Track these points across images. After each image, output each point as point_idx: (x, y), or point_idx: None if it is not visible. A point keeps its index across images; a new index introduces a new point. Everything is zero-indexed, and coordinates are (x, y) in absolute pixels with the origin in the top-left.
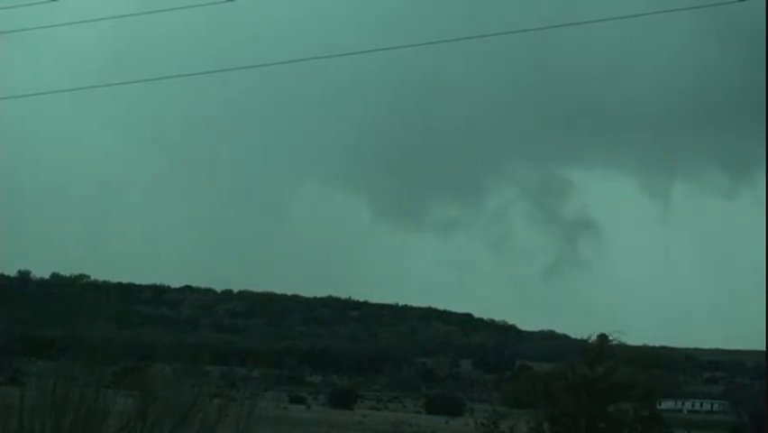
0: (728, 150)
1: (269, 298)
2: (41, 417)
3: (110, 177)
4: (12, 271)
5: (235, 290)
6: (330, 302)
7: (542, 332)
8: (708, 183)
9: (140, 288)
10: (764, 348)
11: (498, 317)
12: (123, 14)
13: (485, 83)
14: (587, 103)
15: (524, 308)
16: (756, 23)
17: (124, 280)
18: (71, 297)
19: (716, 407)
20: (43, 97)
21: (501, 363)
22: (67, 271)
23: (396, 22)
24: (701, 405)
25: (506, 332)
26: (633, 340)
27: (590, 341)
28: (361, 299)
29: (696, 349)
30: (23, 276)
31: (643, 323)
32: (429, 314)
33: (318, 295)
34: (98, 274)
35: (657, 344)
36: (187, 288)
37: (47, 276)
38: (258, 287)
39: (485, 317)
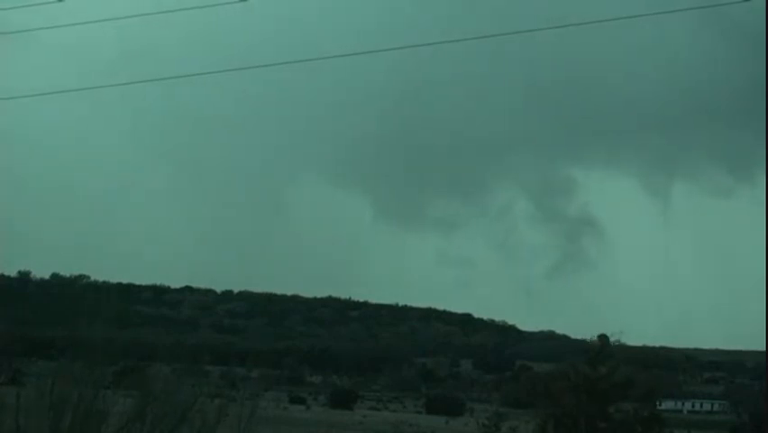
0: (730, 149)
1: (269, 298)
2: (38, 417)
3: (110, 177)
4: (12, 272)
5: (235, 290)
6: (330, 302)
7: (542, 332)
8: (708, 183)
9: (140, 288)
10: (764, 348)
11: (498, 318)
12: (125, 15)
13: (487, 83)
14: (588, 103)
15: (524, 308)
16: (757, 23)
17: (124, 281)
18: (71, 297)
19: (716, 407)
20: (44, 98)
21: (501, 363)
22: (67, 271)
23: (397, 22)
24: (701, 405)
25: (506, 332)
26: (633, 340)
27: (591, 341)
28: (361, 299)
29: (696, 349)
30: (23, 276)
31: (643, 323)
32: (429, 314)
33: (318, 295)
34: (98, 274)
35: (657, 344)
36: (187, 288)
37: (47, 276)
38: (258, 287)
39: (485, 318)
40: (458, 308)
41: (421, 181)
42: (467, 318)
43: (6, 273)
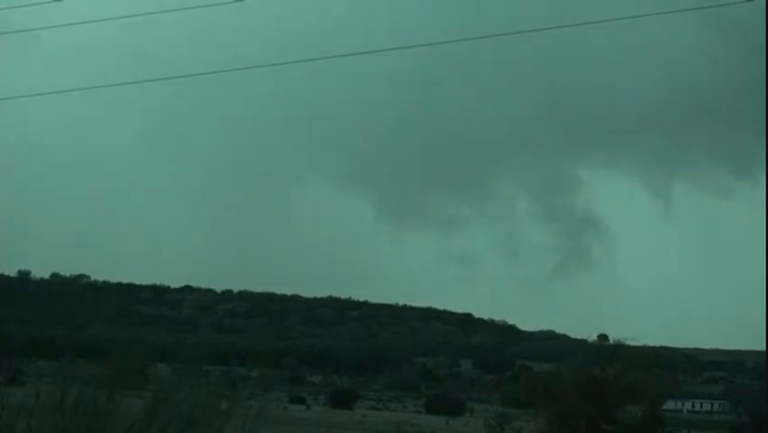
0: (731, 149)
1: (269, 298)
2: (49, 418)
3: (110, 177)
4: (12, 271)
5: (235, 290)
6: (330, 302)
7: (542, 332)
8: (709, 183)
9: (140, 288)
10: (764, 348)
11: (497, 317)
12: (126, 15)
13: (489, 83)
14: (589, 102)
15: (524, 307)
16: (758, 23)
17: (124, 281)
18: (71, 297)
19: (716, 407)
20: (44, 98)
21: (501, 363)
22: (67, 271)
23: (399, 22)
24: (701, 405)
25: (506, 332)
26: (633, 341)
27: (591, 342)
28: (361, 299)
29: (696, 349)
30: (23, 276)
31: (643, 323)
32: (429, 314)
33: (318, 295)
34: (98, 274)
35: (657, 344)
36: (187, 288)
37: (47, 276)
38: (258, 287)
39: (485, 317)
40: (458, 307)
41: (422, 181)
42: (467, 318)
43: (6, 273)
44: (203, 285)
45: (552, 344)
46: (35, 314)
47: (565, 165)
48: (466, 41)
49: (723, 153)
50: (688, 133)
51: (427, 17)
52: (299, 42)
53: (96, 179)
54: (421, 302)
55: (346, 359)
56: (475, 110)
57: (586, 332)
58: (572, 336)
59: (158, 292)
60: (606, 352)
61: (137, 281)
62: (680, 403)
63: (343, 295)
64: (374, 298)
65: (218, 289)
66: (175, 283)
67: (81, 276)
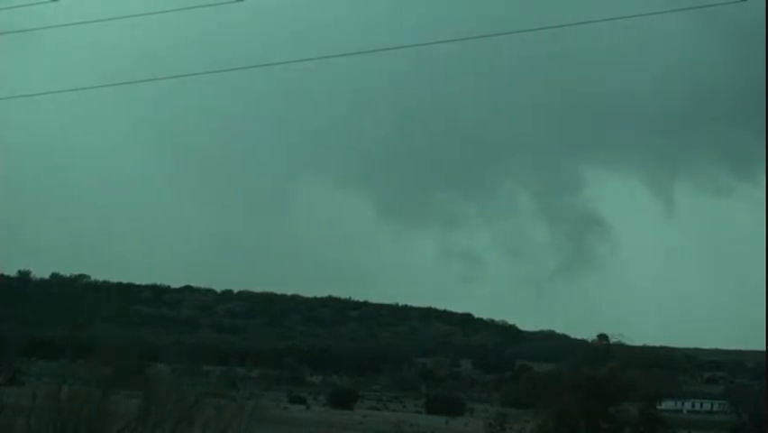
0: (732, 149)
1: (269, 298)
2: (47, 417)
3: (110, 177)
4: (12, 271)
5: (235, 290)
6: (330, 302)
7: (542, 332)
8: (710, 182)
9: (140, 288)
10: (764, 348)
11: (498, 317)
12: (125, 15)
13: (490, 82)
14: (591, 102)
15: (524, 307)
16: (759, 23)
17: (124, 281)
18: (71, 297)
19: (716, 407)
20: (44, 98)
21: (501, 363)
22: (67, 271)
23: (399, 21)
24: (701, 405)
25: (506, 332)
26: (633, 340)
27: (591, 342)
28: (361, 299)
29: (696, 349)
30: (23, 276)
31: (643, 323)
32: (429, 314)
33: (318, 295)
34: (98, 274)
35: (657, 344)
36: (187, 288)
37: (47, 276)
38: (258, 287)
39: (485, 317)
40: (458, 308)
41: (422, 180)
42: (467, 318)
43: (6, 273)
44: (203, 285)
45: (552, 344)
46: (35, 314)
47: (566, 164)
48: (467, 40)
49: (724, 153)
50: (689, 133)
51: (428, 17)
52: (299, 42)
53: (95, 179)
54: (421, 302)
55: (346, 359)
56: (476, 109)
57: (586, 332)
58: (572, 336)
59: (158, 292)
60: (602, 351)
61: (137, 281)
62: (680, 403)
63: (343, 295)
64: (374, 298)
65: (218, 289)
66: (175, 283)
67: (81, 276)
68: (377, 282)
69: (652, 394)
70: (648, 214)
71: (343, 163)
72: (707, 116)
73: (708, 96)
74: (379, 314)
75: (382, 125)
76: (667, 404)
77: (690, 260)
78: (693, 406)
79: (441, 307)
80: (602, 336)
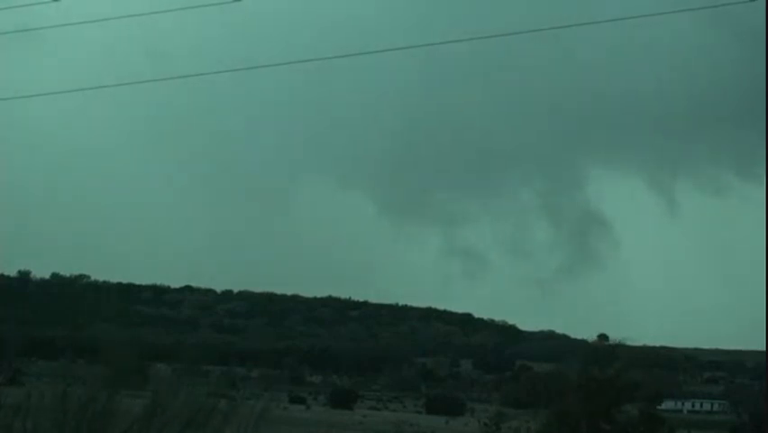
0: (734, 149)
1: (269, 298)
2: (47, 418)
3: (110, 177)
4: (12, 271)
5: (235, 290)
6: (330, 302)
7: (542, 332)
8: (712, 182)
9: (140, 288)
10: (764, 348)
11: (498, 317)
12: (126, 15)
13: (492, 81)
14: (593, 102)
15: (524, 307)
16: (761, 22)
17: (124, 281)
18: (71, 297)
19: (716, 407)
20: (45, 98)
21: (501, 363)
22: (67, 271)
23: (400, 21)
24: (701, 405)
25: (506, 332)
26: (634, 341)
27: (592, 342)
28: (361, 299)
29: (696, 349)
30: (23, 276)
31: (643, 323)
32: (429, 314)
33: (318, 295)
34: (98, 274)
35: (657, 344)
36: (187, 288)
37: (47, 276)
38: (258, 287)
39: (485, 317)
40: (458, 307)
41: (423, 180)
42: (467, 318)
43: (6, 273)
44: (203, 285)
45: (552, 344)
46: (35, 314)
47: (567, 164)
48: (468, 40)
49: (726, 153)
50: (691, 133)
51: (429, 17)
52: (299, 42)
53: (95, 179)
54: (421, 302)
55: (346, 359)
56: (478, 109)
57: (586, 332)
58: (572, 336)
59: (158, 292)
60: (604, 351)
61: (137, 281)
62: (680, 403)
63: (343, 295)
64: (374, 298)
65: (218, 289)
66: (175, 283)
67: (81, 276)
68: (377, 282)
69: (652, 394)
70: (650, 213)
71: (344, 163)
72: (710, 117)
73: (712, 95)
74: (379, 314)
75: (383, 125)
76: (667, 404)
77: (691, 260)
78: (693, 406)
79: (441, 307)
80: (602, 336)
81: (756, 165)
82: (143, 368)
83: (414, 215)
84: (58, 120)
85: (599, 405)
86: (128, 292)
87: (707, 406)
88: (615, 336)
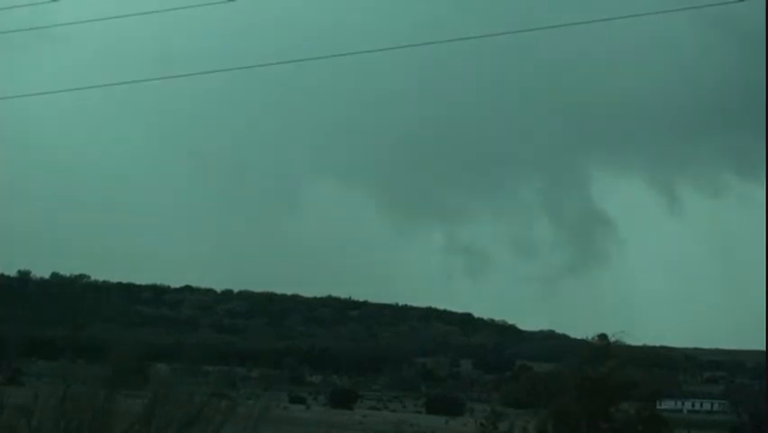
0: (735, 149)
1: (269, 298)
2: (51, 418)
3: (110, 177)
4: (12, 271)
5: (235, 290)
6: (330, 302)
7: (542, 332)
8: (712, 183)
9: (140, 288)
10: (764, 348)
11: (497, 317)
12: (126, 15)
13: (494, 81)
14: (596, 101)
15: (524, 307)
16: (761, 22)
17: (124, 281)
18: (71, 297)
19: (716, 407)
20: (45, 97)
21: (501, 363)
22: (67, 271)
23: (402, 21)
24: (701, 405)
25: (506, 332)
26: (633, 340)
27: (591, 341)
28: (361, 299)
29: (696, 349)
30: (23, 276)
31: (643, 322)
32: (429, 314)
33: (318, 295)
34: (98, 274)
35: (657, 344)
36: (187, 288)
37: (47, 276)
38: (258, 287)
39: (485, 317)
40: (458, 307)
41: (424, 179)
42: (467, 318)
43: (6, 273)
44: (203, 285)
45: (552, 343)
46: (35, 314)
47: (568, 164)
48: (470, 39)
49: (727, 154)
50: (691, 133)
51: (431, 17)
52: (303, 42)
53: (96, 179)
54: (421, 302)
55: (346, 359)
56: (479, 108)
57: (586, 332)
58: (572, 335)
59: (158, 292)
60: (602, 350)
61: (137, 281)
62: (680, 403)
63: (343, 295)
64: (374, 298)
65: (218, 289)
66: (175, 283)
67: (81, 276)
68: (377, 282)
69: (652, 394)
70: (651, 213)
71: (345, 163)
72: (710, 117)
73: (713, 95)
74: (379, 314)
75: (384, 125)
76: (667, 404)
77: (691, 260)
78: (693, 406)
79: (441, 307)
80: (602, 336)
81: (756, 166)
82: (143, 368)
83: (413, 214)
84: (58, 120)
85: (597, 404)
86: (128, 292)
87: (707, 406)
88: (613, 334)
